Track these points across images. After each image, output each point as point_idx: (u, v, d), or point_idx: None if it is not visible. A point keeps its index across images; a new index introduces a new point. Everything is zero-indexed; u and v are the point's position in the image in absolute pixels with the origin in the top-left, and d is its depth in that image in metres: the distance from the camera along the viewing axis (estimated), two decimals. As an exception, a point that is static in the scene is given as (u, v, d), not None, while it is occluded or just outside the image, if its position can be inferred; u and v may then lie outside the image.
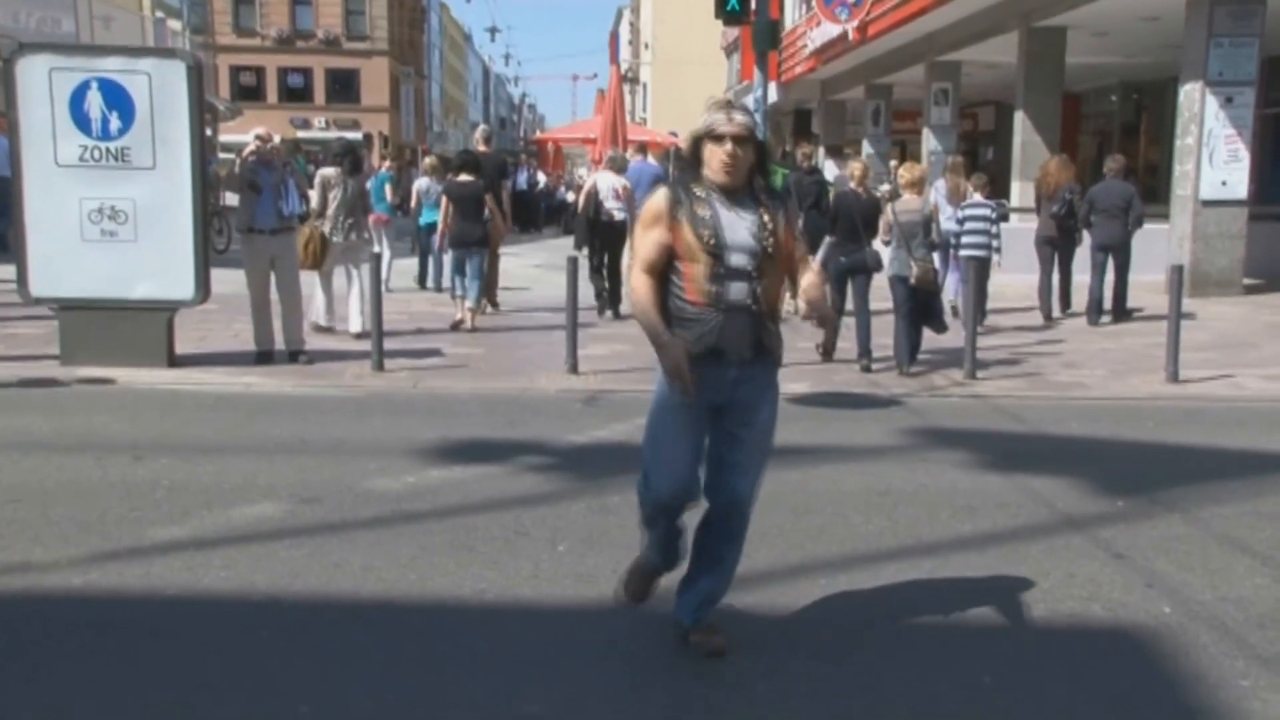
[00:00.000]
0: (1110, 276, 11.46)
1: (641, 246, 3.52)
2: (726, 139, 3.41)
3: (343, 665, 3.60)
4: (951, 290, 11.57)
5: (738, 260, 3.40)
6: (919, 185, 8.92)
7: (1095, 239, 11.47)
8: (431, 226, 12.75)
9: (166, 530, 4.82)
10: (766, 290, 3.45)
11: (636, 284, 3.52)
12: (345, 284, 10.05)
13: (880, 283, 9.05)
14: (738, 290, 3.40)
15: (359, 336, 9.72)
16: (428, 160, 14.26)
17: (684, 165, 3.57)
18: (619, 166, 12.18)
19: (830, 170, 20.23)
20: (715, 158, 3.43)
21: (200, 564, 4.43)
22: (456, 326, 10.58)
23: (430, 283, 13.63)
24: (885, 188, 16.97)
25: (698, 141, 3.50)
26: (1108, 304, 11.49)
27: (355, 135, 49.13)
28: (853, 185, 9.42)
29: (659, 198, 3.51)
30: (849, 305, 9.16)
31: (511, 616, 4.04)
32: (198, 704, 3.34)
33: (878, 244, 9.01)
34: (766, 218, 3.44)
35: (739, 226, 3.42)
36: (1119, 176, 11.59)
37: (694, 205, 3.43)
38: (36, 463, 5.86)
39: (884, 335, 9.05)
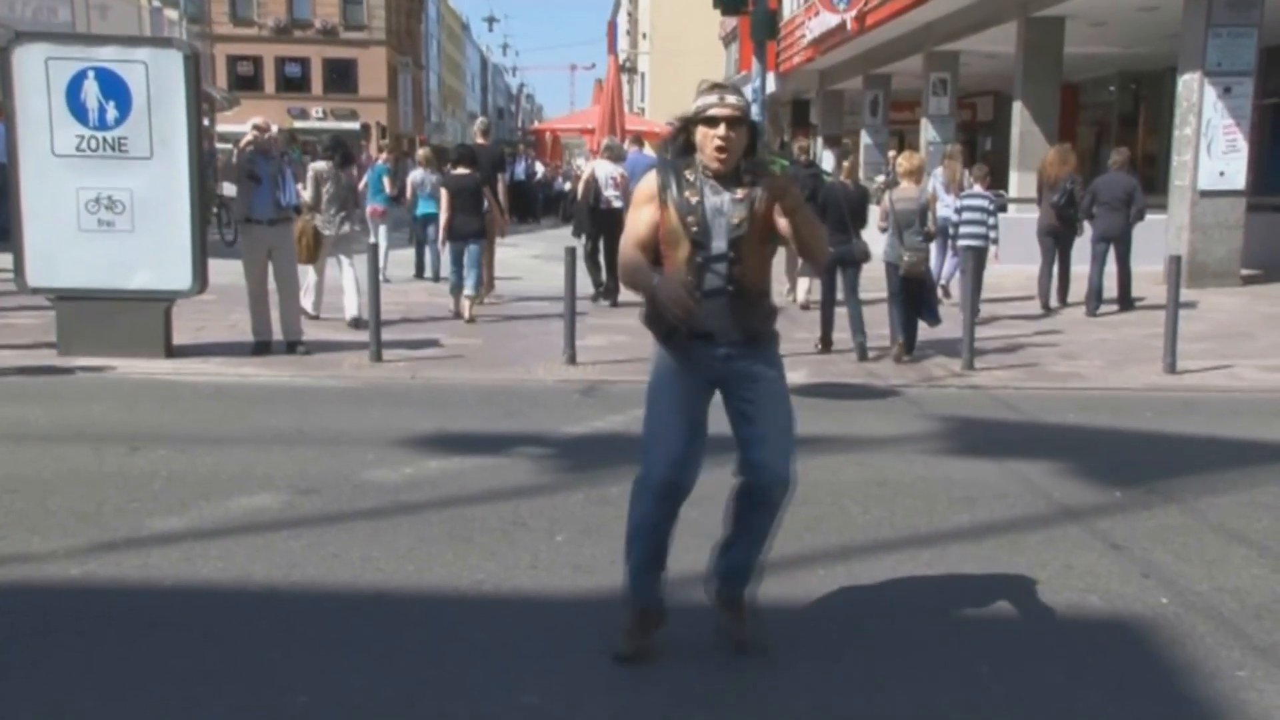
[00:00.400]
0: (1112, 267, 11.47)
1: (633, 226, 3.49)
2: (720, 122, 3.32)
3: (341, 656, 3.60)
4: (944, 274, 11.60)
5: (719, 246, 3.35)
6: (917, 174, 8.96)
7: (1097, 230, 11.47)
8: (427, 217, 12.75)
9: (164, 521, 4.82)
10: (746, 271, 3.39)
11: (626, 256, 3.48)
12: (338, 275, 10.05)
13: (876, 274, 9.04)
14: (714, 279, 3.36)
15: (355, 324, 9.72)
16: (422, 151, 14.26)
17: (676, 150, 3.47)
18: (616, 155, 12.24)
19: (828, 161, 20.23)
20: (709, 142, 3.34)
21: (198, 555, 4.43)
22: (455, 317, 10.59)
23: (429, 272, 13.64)
24: (881, 179, 16.96)
25: (688, 125, 3.41)
26: (1108, 294, 11.50)
27: (353, 125, 49.14)
28: (841, 177, 9.47)
29: (649, 179, 3.47)
30: (840, 296, 9.17)
31: (509, 607, 4.04)
32: (196, 695, 3.34)
33: (875, 231, 9.02)
34: (742, 195, 3.36)
35: (724, 211, 3.36)
36: (1123, 169, 11.60)
37: (683, 191, 3.37)
38: (34, 453, 5.86)
39: (881, 327, 9.06)
